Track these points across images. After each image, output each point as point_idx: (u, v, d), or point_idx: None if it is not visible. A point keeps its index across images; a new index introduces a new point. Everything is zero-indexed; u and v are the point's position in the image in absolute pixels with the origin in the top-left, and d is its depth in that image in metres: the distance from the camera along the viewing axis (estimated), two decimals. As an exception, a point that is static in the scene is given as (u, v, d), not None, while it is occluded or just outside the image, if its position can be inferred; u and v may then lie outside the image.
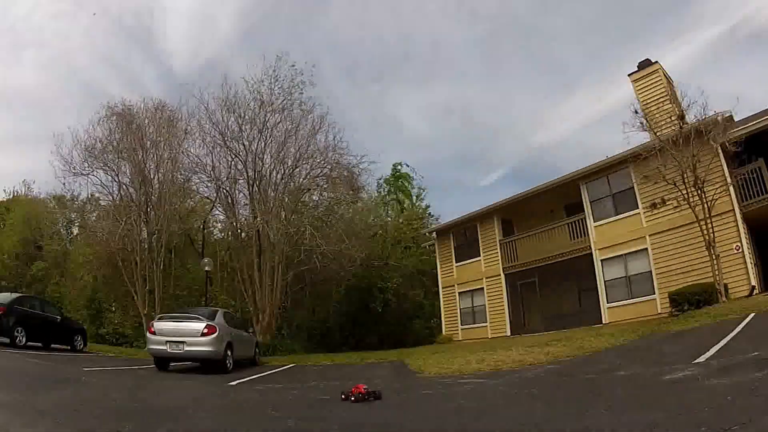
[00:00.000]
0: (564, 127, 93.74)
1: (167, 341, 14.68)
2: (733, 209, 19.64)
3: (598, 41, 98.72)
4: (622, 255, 22.53)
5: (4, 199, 49.87)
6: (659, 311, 20.45)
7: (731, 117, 20.72)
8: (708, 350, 9.40)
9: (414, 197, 47.76)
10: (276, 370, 18.03)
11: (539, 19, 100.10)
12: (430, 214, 45.96)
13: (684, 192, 19.04)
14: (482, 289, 28.67)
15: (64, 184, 31.05)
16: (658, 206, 20.82)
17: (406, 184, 47.60)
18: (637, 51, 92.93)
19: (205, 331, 14.80)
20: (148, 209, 30.36)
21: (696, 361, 8.65)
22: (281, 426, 6.88)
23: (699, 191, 18.77)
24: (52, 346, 20.89)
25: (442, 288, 31.61)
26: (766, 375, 6.54)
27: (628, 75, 24.87)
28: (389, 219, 44.02)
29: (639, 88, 24.08)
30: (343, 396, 8.54)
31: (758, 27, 78.37)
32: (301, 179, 30.63)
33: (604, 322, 22.20)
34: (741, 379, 6.64)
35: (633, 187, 22.32)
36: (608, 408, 6.44)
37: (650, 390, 7.25)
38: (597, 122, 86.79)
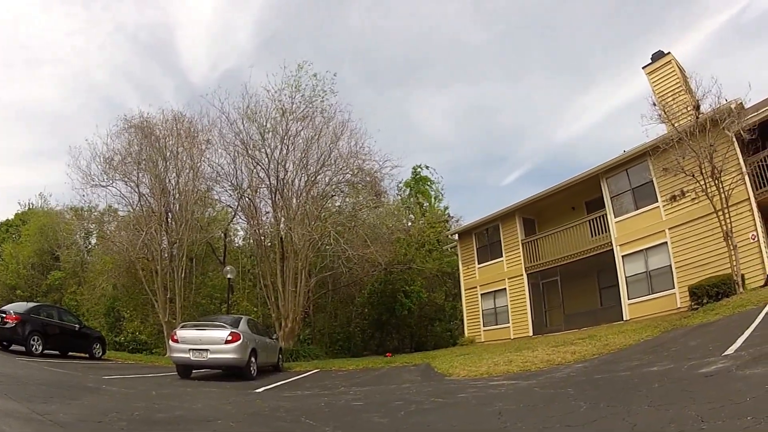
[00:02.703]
0: (583, 123, 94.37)
1: (190, 349, 14.80)
2: (749, 198, 19.54)
3: (612, 36, 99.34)
4: (642, 250, 22.36)
5: (20, 212, 50.82)
6: (679, 306, 20.29)
7: (742, 104, 20.52)
8: (735, 342, 9.42)
9: (434, 199, 47.84)
10: (301, 376, 18.04)
11: (554, 16, 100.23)
12: (449, 215, 46.29)
13: (702, 183, 18.93)
14: (504, 289, 28.64)
15: (82, 196, 31.01)
16: (678, 198, 20.76)
17: (428, 186, 47.64)
18: (650, 43, 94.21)
19: (229, 338, 14.91)
20: (169, 219, 30.56)
21: (725, 353, 8.68)
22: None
23: (716, 181, 18.69)
24: (70, 354, 21.09)
25: (465, 290, 31.60)
26: None
27: (643, 68, 24.83)
28: (411, 222, 43.85)
29: (654, 80, 24.03)
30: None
31: (762, 11, 79.20)
32: (324, 185, 30.75)
33: (625, 318, 22.08)
34: None
35: (652, 181, 22.20)
36: (651, 404, 6.33)
37: (688, 384, 7.21)
38: (615, 116, 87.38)
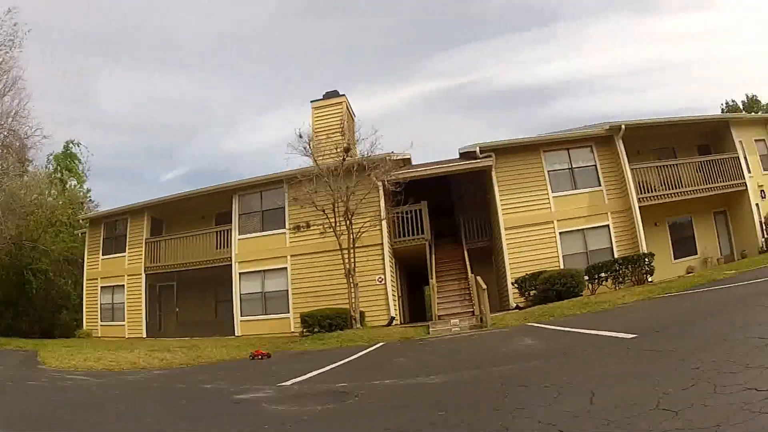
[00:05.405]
0: (257, 139, 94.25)
1: None
2: (382, 243, 20.43)
3: (326, 72, 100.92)
4: (261, 271, 22.33)
5: None
6: (292, 330, 20.42)
7: (409, 160, 22.00)
8: (306, 374, 9.24)
9: (78, 179, 43.08)
10: None
11: (278, 31, 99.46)
12: (90, 199, 42.59)
13: (332, 220, 19.06)
14: (123, 286, 26.52)
15: None
16: (302, 229, 20.93)
17: (76, 163, 42.63)
18: (360, 87, 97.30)
19: None
20: None
21: (282, 383, 8.36)
22: None
23: (347, 222, 19.00)
24: None
25: (87, 280, 28.67)
26: (325, 409, 6.01)
27: (311, 101, 25.11)
28: (51, 198, 39.25)
29: (318, 115, 24.59)
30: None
31: (479, 91, 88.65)
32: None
33: (236, 334, 21.73)
34: (300, 408, 6.25)
35: (284, 207, 22.30)
36: (156, 418, 6.25)
37: (208, 407, 6.99)
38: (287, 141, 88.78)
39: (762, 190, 24.19)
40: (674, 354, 5.83)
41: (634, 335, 7.89)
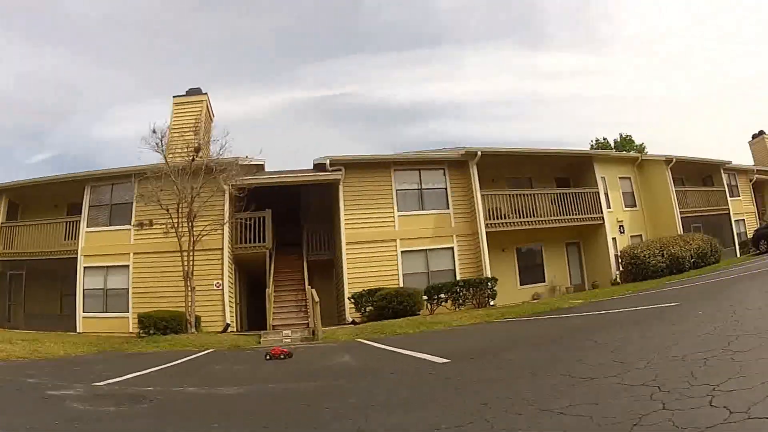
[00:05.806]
0: (127, 130, 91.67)
1: None
2: (223, 248, 20.15)
3: (202, 68, 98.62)
4: (104, 267, 21.50)
5: None
6: (130, 330, 19.70)
7: (263, 165, 21.89)
8: (123, 376, 9.14)
9: None
10: None
11: (161, 20, 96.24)
12: None
13: (175, 220, 18.79)
14: None
15: None
16: (145, 227, 20.21)
17: None
18: (229, 88, 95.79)
19: None
20: None
21: (97, 383, 8.23)
22: None
23: (189, 223, 18.74)
24: None
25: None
26: (117, 410, 6.07)
27: (173, 97, 24.52)
28: None
29: (177, 112, 23.90)
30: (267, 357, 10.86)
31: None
32: None
33: (79, 331, 20.90)
34: (97, 408, 6.17)
35: (132, 203, 21.58)
36: None
37: (17, 400, 6.93)
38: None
39: (621, 225, 25.05)
40: (474, 384, 5.80)
41: (448, 360, 7.94)
